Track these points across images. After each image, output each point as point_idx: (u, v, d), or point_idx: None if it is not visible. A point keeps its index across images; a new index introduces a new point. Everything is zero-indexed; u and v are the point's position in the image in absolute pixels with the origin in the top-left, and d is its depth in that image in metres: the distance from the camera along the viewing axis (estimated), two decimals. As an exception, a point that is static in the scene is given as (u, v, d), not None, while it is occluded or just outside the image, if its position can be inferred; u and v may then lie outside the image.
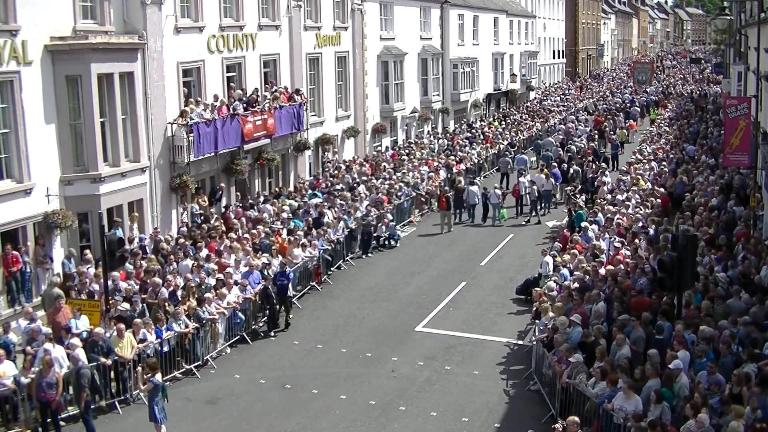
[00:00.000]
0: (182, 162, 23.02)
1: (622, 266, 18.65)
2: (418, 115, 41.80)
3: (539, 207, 29.81)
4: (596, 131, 43.29)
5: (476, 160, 35.98)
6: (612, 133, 43.51)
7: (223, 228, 22.51)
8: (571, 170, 32.53)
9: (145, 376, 13.65)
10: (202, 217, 23.47)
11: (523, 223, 29.17)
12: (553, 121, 48.61)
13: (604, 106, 55.43)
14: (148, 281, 17.85)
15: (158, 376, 13.57)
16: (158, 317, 16.30)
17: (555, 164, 33.22)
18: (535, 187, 29.41)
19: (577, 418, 12.06)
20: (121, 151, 20.95)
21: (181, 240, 20.87)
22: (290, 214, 24.35)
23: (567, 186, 31.40)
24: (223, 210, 24.93)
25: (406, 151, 36.01)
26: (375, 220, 25.54)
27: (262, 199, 26.33)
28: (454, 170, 33.16)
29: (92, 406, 14.40)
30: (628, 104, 55.60)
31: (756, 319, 14.42)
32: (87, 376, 14.08)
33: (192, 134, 22.86)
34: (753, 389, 11.81)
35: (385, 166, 32.23)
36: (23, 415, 14.03)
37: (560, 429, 12.26)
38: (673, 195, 26.78)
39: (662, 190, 27.30)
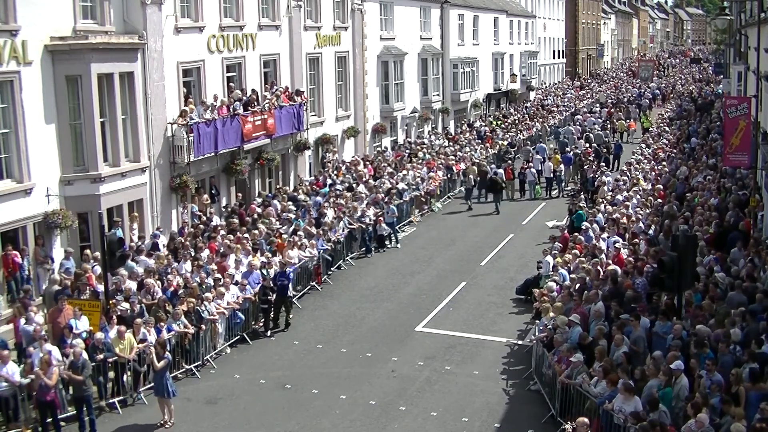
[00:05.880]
0: (182, 162, 23.00)
1: (618, 268, 18.55)
2: (418, 115, 41.76)
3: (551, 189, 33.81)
4: (608, 122, 47.05)
5: (476, 160, 35.90)
6: (616, 121, 47.32)
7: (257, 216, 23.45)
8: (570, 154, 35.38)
9: (156, 355, 14.57)
10: (230, 210, 24.30)
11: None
12: (553, 121, 48.80)
13: (615, 99, 58.34)
14: (145, 282, 17.82)
15: (168, 354, 14.64)
16: (158, 317, 16.29)
17: (567, 150, 36.11)
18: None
19: (586, 419, 12.01)
20: (121, 151, 20.94)
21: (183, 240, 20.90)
22: (292, 214, 24.32)
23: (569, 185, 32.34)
24: (223, 209, 24.99)
25: (408, 150, 35.97)
26: (371, 219, 25.49)
27: (260, 198, 26.35)
28: (455, 170, 33.34)
29: (93, 406, 14.40)
30: (634, 97, 58.72)
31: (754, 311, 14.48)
32: (89, 367, 14.20)
33: (192, 134, 22.86)
34: (746, 385, 11.83)
35: (385, 167, 32.19)
36: (23, 415, 14.03)
37: (570, 430, 12.23)
38: (674, 195, 26.73)
39: (661, 186, 27.34)
